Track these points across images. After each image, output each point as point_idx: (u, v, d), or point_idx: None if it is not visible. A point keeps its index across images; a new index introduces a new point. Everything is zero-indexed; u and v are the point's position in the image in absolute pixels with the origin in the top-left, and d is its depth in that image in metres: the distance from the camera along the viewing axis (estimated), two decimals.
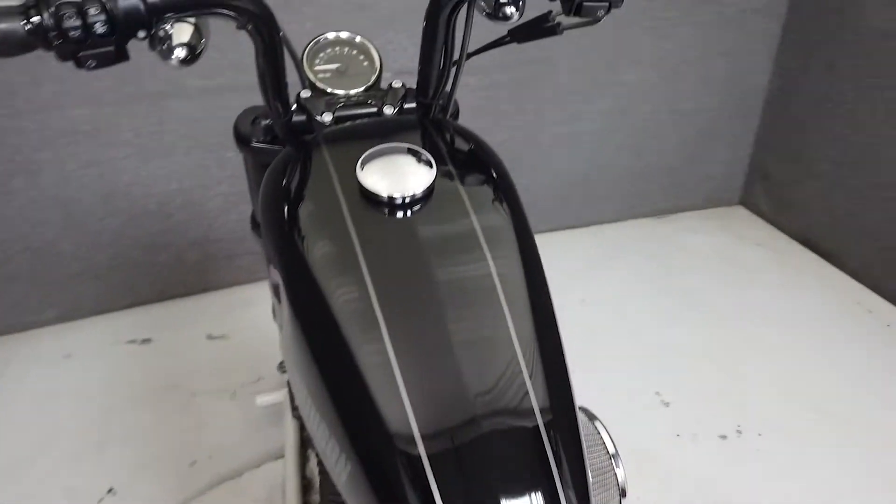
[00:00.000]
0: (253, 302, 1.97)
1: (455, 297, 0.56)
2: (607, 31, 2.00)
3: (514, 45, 0.76)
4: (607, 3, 0.67)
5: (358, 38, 0.86)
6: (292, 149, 0.73)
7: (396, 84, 0.82)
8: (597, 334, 1.86)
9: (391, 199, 0.61)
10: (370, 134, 0.73)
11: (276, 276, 0.65)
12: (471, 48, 0.79)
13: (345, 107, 0.79)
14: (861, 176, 2.03)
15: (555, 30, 0.77)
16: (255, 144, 0.82)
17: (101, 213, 1.78)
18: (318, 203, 0.64)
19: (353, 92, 0.81)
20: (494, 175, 0.69)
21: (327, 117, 0.77)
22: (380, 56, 0.85)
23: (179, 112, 1.71)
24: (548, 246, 1.83)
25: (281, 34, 0.67)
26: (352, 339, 0.54)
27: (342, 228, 0.60)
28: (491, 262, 0.59)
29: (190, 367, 1.74)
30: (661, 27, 2.05)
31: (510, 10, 0.74)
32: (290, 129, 0.78)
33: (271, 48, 0.67)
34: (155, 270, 1.92)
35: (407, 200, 0.61)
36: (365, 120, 0.77)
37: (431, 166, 0.64)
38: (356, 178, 0.63)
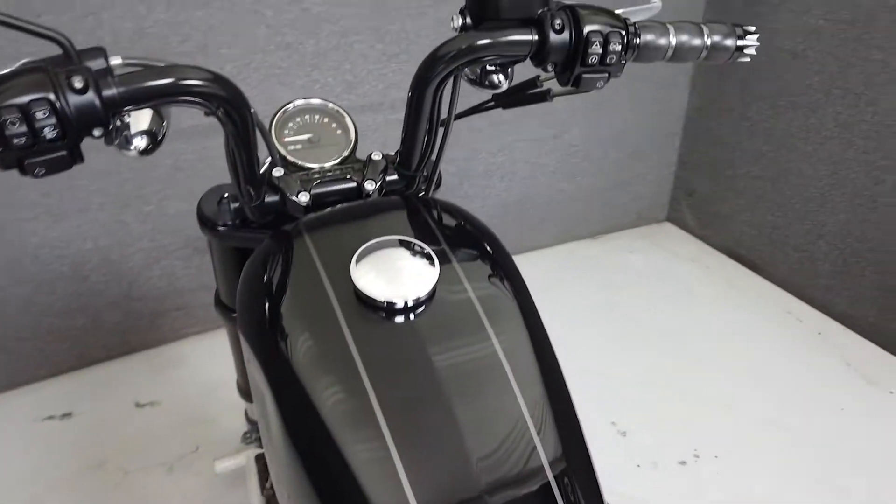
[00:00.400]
0: (183, 361, 1.84)
1: (469, 406, 0.51)
2: None
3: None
4: (607, 75, 0.64)
5: (330, 105, 0.79)
6: (272, 240, 0.66)
7: (376, 156, 0.76)
8: None
9: (392, 304, 0.55)
10: (356, 220, 0.67)
11: (255, 372, 0.58)
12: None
13: (321, 183, 0.73)
14: (782, 189, 2.12)
15: (545, 97, 0.74)
16: (222, 228, 0.74)
17: (2, 282, 1.61)
18: (307, 305, 0.58)
19: (328, 165, 0.75)
20: (494, 256, 0.65)
21: (303, 197, 0.70)
22: (354, 124, 0.79)
23: (91, 165, 1.58)
24: None
25: (252, 112, 0.61)
26: (353, 449, 0.49)
27: (337, 334, 0.54)
28: (509, 370, 0.54)
29: (119, 441, 1.60)
30: None
31: (498, 78, 0.70)
32: (262, 211, 0.71)
33: (243, 131, 0.61)
34: (71, 335, 1.75)
35: (410, 304, 0.56)
36: (348, 204, 0.71)
37: (433, 262, 0.58)
38: (349, 278, 0.57)
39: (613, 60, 0.63)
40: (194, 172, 1.69)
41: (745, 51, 0.68)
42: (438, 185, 0.80)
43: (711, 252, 2.41)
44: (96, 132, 0.50)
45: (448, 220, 0.68)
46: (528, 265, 2.35)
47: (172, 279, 1.81)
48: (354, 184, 0.74)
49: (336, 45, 1.71)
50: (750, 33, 0.68)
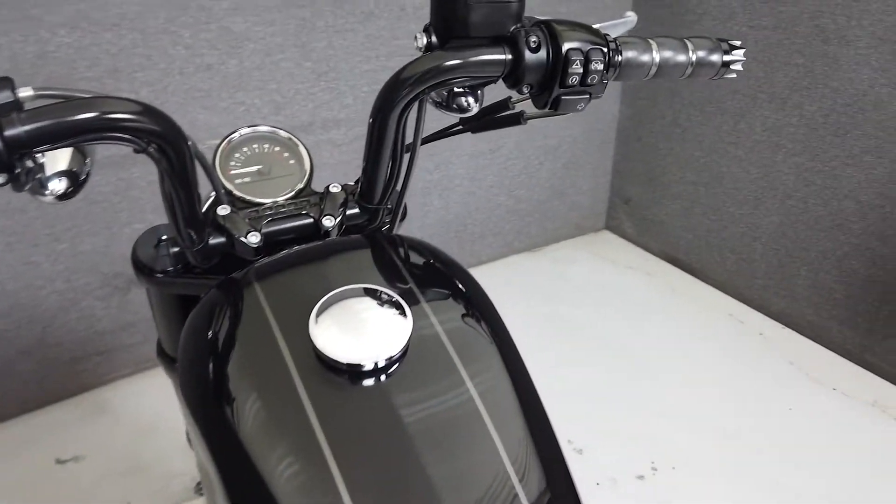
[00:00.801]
0: (108, 409, 1.70)
1: (449, 476, 0.45)
2: None
3: None
4: (588, 96, 0.59)
5: (281, 133, 0.72)
6: (218, 290, 0.58)
7: (334, 188, 0.69)
8: None
9: (358, 366, 0.48)
10: (314, 265, 0.60)
11: (198, 445, 0.50)
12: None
13: (273, 220, 0.65)
14: (716, 194, 2.15)
15: (518, 119, 0.68)
16: (160, 276, 0.65)
17: None
18: (258, 369, 0.50)
19: (281, 199, 0.68)
20: (470, 298, 0.59)
21: (253, 238, 0.62)
22: (309, 153, 0.72)
23: None
24: None
25: (189, 144, 0.53)
26: None
27: (294, 403, 0.46)
28: (492, 429, 0.48)
29: None
30: None
31: (467, 101, 0.64)
32: (207, 255, 0.63)
33: (180, 167, 0.53)
34: None
35: (379, 365, 0.48)
36: (304, 246, 0.64)
37: (404, 313, 0.51)
38: (307, 336, 0.49)
39: (595, 80, 0.58)
40: (110, 206, 1.56)
41: (732, 66, 0.65)
42: (404, 217, 0.73)
43: (651, 258, 2.43)
44: None
45: (417, 260, 0.62)
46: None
47: (92, 321, 1.67)
48: (311, 220, 0.67)
49: (260, 64, 1.62)
50: (736, 48, 0.65)
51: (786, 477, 1.51)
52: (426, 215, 2.11)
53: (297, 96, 1.70)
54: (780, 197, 1.95)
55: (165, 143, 0.51)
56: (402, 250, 0.63)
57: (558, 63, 0.56)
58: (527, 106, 0.63)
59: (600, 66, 0.57)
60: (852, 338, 1.87)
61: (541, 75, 0.57)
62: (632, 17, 0.67)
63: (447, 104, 0.64)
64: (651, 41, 0.61)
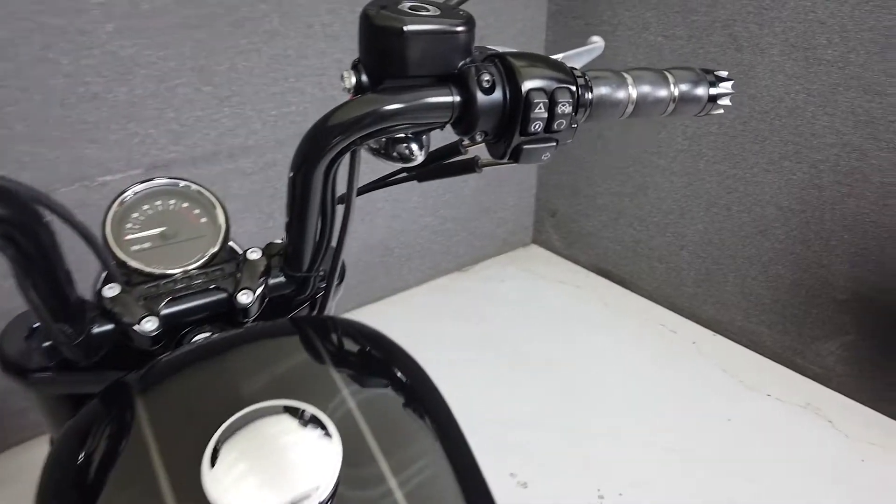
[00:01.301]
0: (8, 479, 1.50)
1: None
2: None
3: None
4: (553, 143, 0.50)
5: (192, 187, 0.60)
6: (96, 405, 0.46)
7: (253, 254, 0.58)
8: None
9: None
10: (219, 366, 0.48)
11: None
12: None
13: (177, 299, 0.54)
14: (641, 204, 2.13)
15: (472, 167, 0.58)
16: (35, 375, 0.52)
17: None
18: None
19: (192, 267, 0.57)
20: (419, 399, 0.49)
21: (149, 324, 0.51)
22: (224, 208, 0.60)
23: None
24: None
25: (46, 221, 0.42)
26: None
27: None
28: None
29: None
30: None
31: (409, 149, 0.52)
32: (90, 348, 0.51)
33: (39, 253, 0.42)
34: None
35: None
36: (209, 339, 0.52)
37: (332, 438, 0.40)
38: (199, 483, 0.37)
39: (563, 125, 0.48)
40: None
41: (720, 101, 0.56)
42: (342, 279, 0.63)
43: (580, 271, 2.40)
44: None
45: (353, 354, 0.51)
46: (399, 307, 2.22)
47: None
48: (224, 294, 0.56)
49: (154, 90, 1.47)
50: (722, 79, 0.56)
51: (737, 492, 1.49)
52: (350, 242, 1.99)
53: (199, 124, 1.56)
54: (704, 205, 1.95)
55: (12, 228, 0.40)
56: (334, 339, 0.52)
57: (518, 106, 0.47)
58: (481, 150, 0.54)
59: (568, 109, 0.48)
60: (782, 342, 1.88)
61: (497, 120, 0.48)
62: (598, 43, 0.58)
63: (386, 152, 0.53)
64: (626, 74, 0.52)
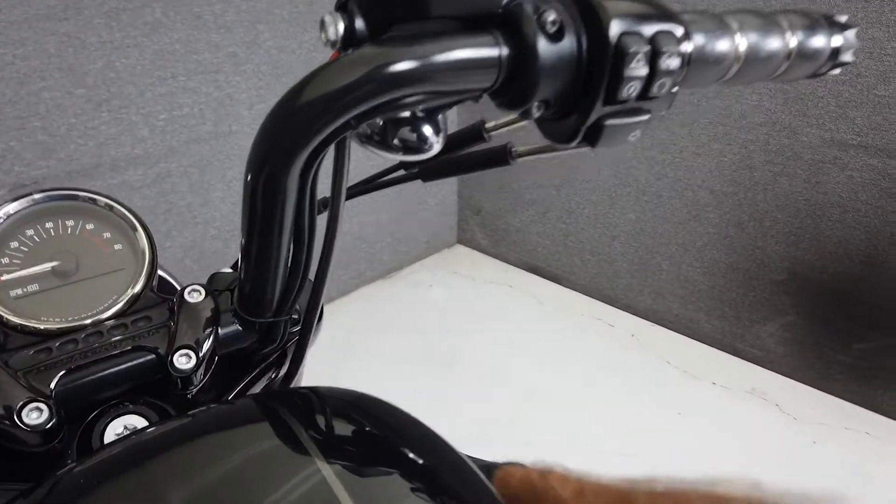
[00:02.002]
0: None
1: None
2: None
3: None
4: (647, 117, 0.33)
5: (98, 200, 0.44)
6: None
7: (193, 294, 0.42)
8: None
9: None
10: (153, 480, 0.31)
11: None
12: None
13: (77, 369, 0.37)
14: (569, 196, 2.05)
15: (504, 159, 0.43)
16: None
17: None
18: None
19: (103, 317, 0.40)
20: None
21: (34, 416, 0.35)
22: (147, 230, 0.44)
23: None
24: None
25: None
26: None
27: None
28: None
29: None
30: None
31: (421, 134, 0.34)
32: None
33: None
34: None
35: None
36: (136, 437, 0.36)
37: None
38: None
39: (664, 89, 0.32)
40: None
41: (841, 56, 0.40)
42: (319, 318, 0.46)
43: (510, 269, 2.30)
44: None
45: (353, 449, 0.35)
46: (325, 322, 2.05)
47: None
48: (153, 356, 0.40)
49: (14, 96, 1.24)
50: (845, 26, 0.39)
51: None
52: None
53: (73, 133, 1.33)
54: (635, 193, 1.89)
55: None
56: (323, 425, 0.36)
57: (602, 60, 0.30)
58: (507, 136, 0.38)
59: (675, 63, 0.31)
60: (721, 327, 1.84)
61: (567, 84, 0.31)
62: None
63: (383, 140, 0.35)
64: (729, 18, 0.36)
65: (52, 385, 0.37)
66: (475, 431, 1.59)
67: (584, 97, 0.32)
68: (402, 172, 0.47)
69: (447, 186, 2.32)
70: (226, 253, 1.70)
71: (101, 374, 0.39)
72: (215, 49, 1.50)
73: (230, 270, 0.47)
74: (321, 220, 0.41)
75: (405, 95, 0.30)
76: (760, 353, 1.78)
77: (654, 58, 0.31)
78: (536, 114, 0.33)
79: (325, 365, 1.75)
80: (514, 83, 0.31)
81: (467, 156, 0.45)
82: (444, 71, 0.29)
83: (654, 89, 0.32)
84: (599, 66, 0.30)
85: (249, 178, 0.34)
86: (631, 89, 0.31)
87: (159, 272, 0.46)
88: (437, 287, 2.20)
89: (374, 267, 2.17)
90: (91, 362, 0.39)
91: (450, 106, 0.34)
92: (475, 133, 0.43)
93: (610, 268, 2.04)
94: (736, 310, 1.79)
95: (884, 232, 1.49)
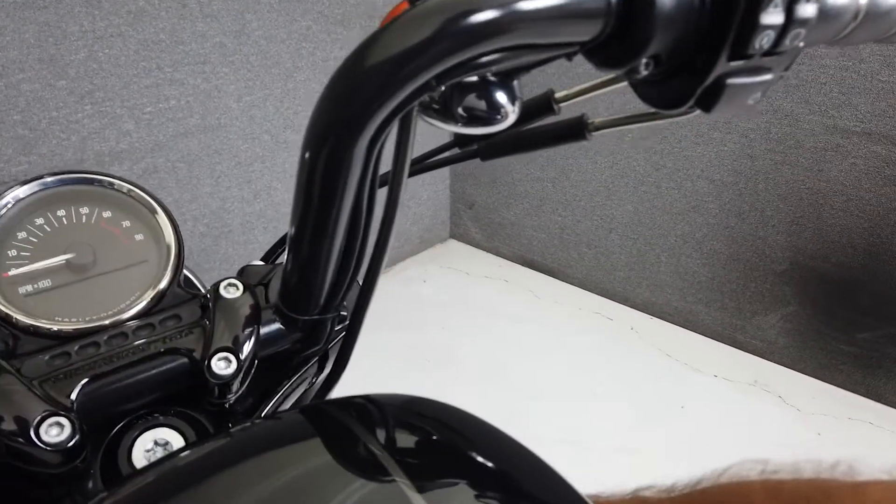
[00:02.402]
0: None
1: None
2: (291, 85, 1.65)
3: None
4: (769, 76, 0.28)
5: (114, 184, 0.39)
6: None
7: (230, 289, 0.38)
8: None
9: None
10: None
11: None
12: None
13: (101, 376, 0.33)
14: (564, 188, 2.02)
15: (580, 132, 0.38)
16: None
17: None
18: None
19: (125, 317, 0.36)
20: None
21: (55, 430, 0.30)
22: (172, 217, 0.40)
23: None
24: None
25: None
26: None
27: None
28: None
29: None
30: None
31: (493, 102, 0.29)
32: None
33: None
34: None
35: None
36: (173, 460, 0.31)
37: None
38: None
39: (798, 40, 0.27)
40: None
41: None
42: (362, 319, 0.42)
43: (505, 264, 2.26)
44: None
45: (432, 455, 0.32)
46: None
47: None
48: (186, 360, 0.35)
49: None
50: None
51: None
52: (251, 255, 1.75)
53: (54, 127, 1.27)
54: (632, 184, 1.86)
55: None
56: (389, 435, 0.32)
57: (734, 2, 0.26)
58: (586, 106, 0.33)
59: (812, 10, 0.27)
60: (721, 319, 1.82)
61: (687, 33, 0.27)
62: None
63: (447, 109, 0.30)
64: None
65: (74, 395, 0.32)
66: None
67: (705, 50, 0.27)
68: (457, 150, 0.42)
69: (439, 181, 2.28)
70: (215, 250, 1.64)
71: (128, 381, 0.34)
72: (202, 39, 1.44)
73: (261, 263, 0.43)
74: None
75: (491, 51, 0.25)
76: (762, 344, 1.76)
77: (791, 2, 0.26)
78: (644, 72, 0.28)
79: None
80: (623, 34, 0.27)
81: (535, 130, 0.40)
82: (540, 20, 0.25)
83: (787, 41, 0.27)
84: (729, 11, 0.26)
85: (307, 155, 0.30)
86: (764, 40, 0.27)
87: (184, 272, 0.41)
88: (431, 282, 2.16)
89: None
90: (116, 368, 0.34)
91: (536, 66, 0.29)
92: (544, 104, 0.39)
93: (607, 260, 2.01)
94: (737, 301, 1.77)
95: (887, 220, 1.47)
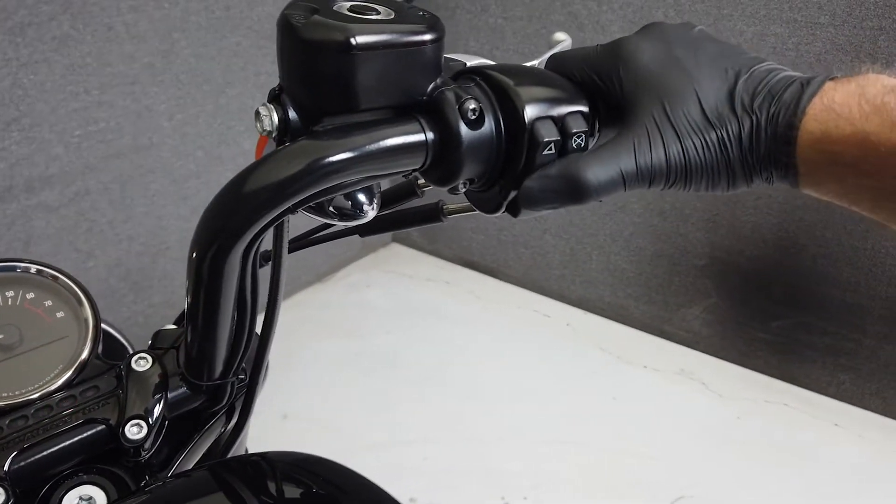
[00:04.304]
0: None
1: None
2: (224, 101, 1.66)
3: None
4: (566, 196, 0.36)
5: (31, 268, 0.44)
6: None
7: (141, 362, 0.42)
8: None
9: None
10: None
11: None
12: None
13: (31, 447, 0.38)
14: None
15: (436, 216, 0.46)
16: None
17: None
18: None
19: (52, 388, 0.40)
20: None
21: None
22: (89, 295, 0.44)
23: None
24: None
25: None
26: None
27: None
28: None
29: None
30: (271, 84, 1.78)
31: (357, 204, 0.37)
32: None
33: None
34: None
35: None
36: None
37: None
38: None
39: None
40: None
41: None
42: (265, 374, 0.48)
43: (446, 266, 2.32)
44: None
45: None
46: None
47: None
48: (103, 427, 0.40)
49: None
50: None
51: (639, 472, 1.48)
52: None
53: None
54: None
55: None
56: (274, 492, 0.38)
57: (518, 143, 0.34)
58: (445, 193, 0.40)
59: (583, 140, 0.35)
60: (650, 312, 1.92)
61: (489, 164, 0.35)
62: (565, 40, 0.46)
63: (320, 208, 0.38)
64: None
65: (6, 466, 0.36)
66: (417, 431, 1.62)
67: (504, 175, 0.35)
68: (338, 228, 0.48)
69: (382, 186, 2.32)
70: (153, 269, 1.65)
71: (54, 448, 0.38)
72: (130, 60, 1.45)
73: (174, 327, 0.47)
74: (264, 276, 0.42)
75: (342, 182, 0.32)
76: (687, 334, 1.87)
77: (564, 140, 0.34)
78: (462, 189, 0.36)
79: (270, 397, 1.74)
80: (440, 164, 0.34)
81: (402, 213, 0.47)
82: (377, 159, 0.32)
83: None
84: (517, 149, 0.34)
85: (195, 255, 0.36)
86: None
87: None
88: (374, 287, 2.20)
89: (307, 271, 2.15)
90: (44, 439, 0.38)
91: (387, 178, 0.37)
92: (409, 189, 0.45)
93: (543, 260, 2.09)
94: (663, 295, 1.87)
95: (793, 216, 1.58)
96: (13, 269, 0.43)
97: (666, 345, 1.90)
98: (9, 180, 1.32)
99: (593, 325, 2.00)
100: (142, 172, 1.55)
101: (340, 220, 0.37)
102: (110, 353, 0.45)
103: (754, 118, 0.33)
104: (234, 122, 1.70)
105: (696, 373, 1.80)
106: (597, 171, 0.32)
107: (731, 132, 0.33)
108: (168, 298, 1.70)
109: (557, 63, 0.39)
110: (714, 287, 1.77)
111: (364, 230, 0.48)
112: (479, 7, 1.87)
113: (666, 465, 1.50)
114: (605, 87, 0.36)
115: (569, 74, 0.38)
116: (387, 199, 0.45)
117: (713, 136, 0.33)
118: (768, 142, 0.32)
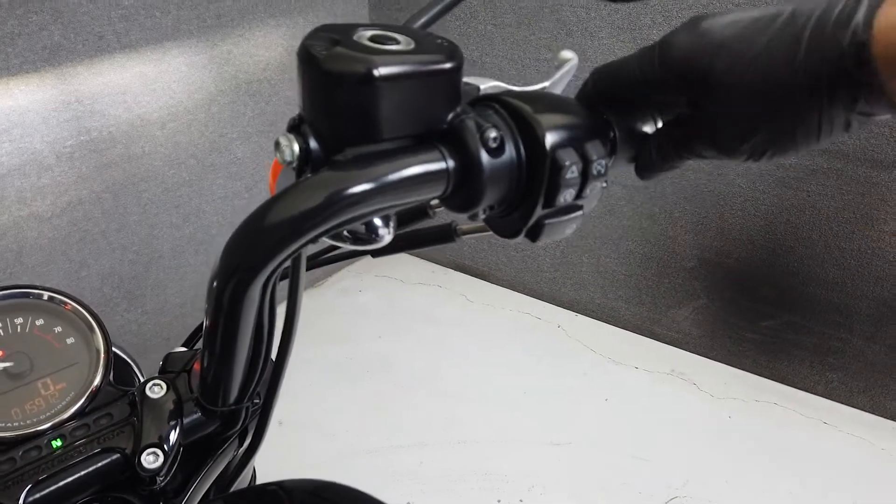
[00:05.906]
0: None
1: None
2: (216, 108, 1.66)
3: None
4: (581, 213, 0.37)
5: (44, 295, 0.43)
6: None
7: (155, 389, 0.42)
8: (314, 467, 1.54)
9: None
10: None
11: None
12: None
13: (46, 479, 0.37)
14: None
15: (449, 236, 0.47)
16: None
17: None
18: None
19: (64, 417, 0.40)
20: None
21: None
22: (99, 320, 0.44)
23: None
24: None
25: None
26: None
27: None
28: None
29: None
30: (262, 91, 1.78)
31: (373, 230, 0.36)
32: None
33: None
34: None
35: None
36: None
37: None
38: None
39: (595, 189, 0.37)
40: None
41: None
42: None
43: (438, 269, 2.33)
44: None
45: None
46: None
47: None
48: (118, 456, 0.40)
49: None
50: None
51: (632, 473, 1.50)
52: (183, 278, 1.76)
53: None
54: None
55: None
56: None
57: (540, 170, 0.34)
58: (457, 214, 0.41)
59: (604, 167, 0.36)
60: (640, 313, 1.94)
61: (510, 191, 0.35)
62: (573, 59, 0.45)
63: (337, 234, 0.37)
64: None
65: (21, 500, 0.36)
66: (413, 437, 1.62)
67: (524, 201, 0.35)
68: (350, 248, 0.49)
69: None
70: (146, 277, 1.65)
71: (69, 479, 0.39)
72: (121, 69, 1.45)
73: (184, 349, 0.47)
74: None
75: (364, 213, 0.32)
76: (677, 335, 1.89)
77: (585, 166, 0.35)
78: (483, 216, 0.37)
79: None
80: (461, 192, 0.35)
81: (415, 233, 0.47)
82: (399, 188, 0.32)
83: (587, 191, 0.36)
84: (538, 176, 0.34)
85: (215, 285, 0.36)
86: (567, 194, 0.35)
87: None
88: (367, 292, 2.21)
89: None
90: (59, 470, 0.38)
91: (407, 206, 0.37)
92: (421, 210, 0.46)
93: (534, 262, 2.10)
94: (652, 296, 1.89)
95: (780, 218, 1.61)
96: (26, 295, 0.43)
97: (656, 346, 1.92)
98: (0, 191, 1.32)
99: (584, 327, 2.01)
100: (134, 181, 1.55)
101: (355, 244, 0.37)
102: (120, 376, 0.45)
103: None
104: (227, 129, 1.70)
105: (687, 373, 1.82)
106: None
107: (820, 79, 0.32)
108: (161, 306, 1.70)
109: (606, 81, 0.40)
110: (703, 288, 1.80)
111: (377, 251, 0.48)
112: (468, 14, 1.88)
113: (659, 465, 1.52)
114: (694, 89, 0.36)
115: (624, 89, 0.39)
116: (399, 220, 0.46)
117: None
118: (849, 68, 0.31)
